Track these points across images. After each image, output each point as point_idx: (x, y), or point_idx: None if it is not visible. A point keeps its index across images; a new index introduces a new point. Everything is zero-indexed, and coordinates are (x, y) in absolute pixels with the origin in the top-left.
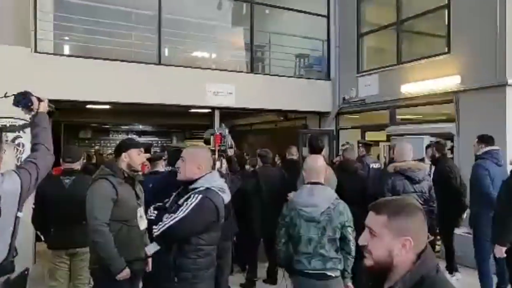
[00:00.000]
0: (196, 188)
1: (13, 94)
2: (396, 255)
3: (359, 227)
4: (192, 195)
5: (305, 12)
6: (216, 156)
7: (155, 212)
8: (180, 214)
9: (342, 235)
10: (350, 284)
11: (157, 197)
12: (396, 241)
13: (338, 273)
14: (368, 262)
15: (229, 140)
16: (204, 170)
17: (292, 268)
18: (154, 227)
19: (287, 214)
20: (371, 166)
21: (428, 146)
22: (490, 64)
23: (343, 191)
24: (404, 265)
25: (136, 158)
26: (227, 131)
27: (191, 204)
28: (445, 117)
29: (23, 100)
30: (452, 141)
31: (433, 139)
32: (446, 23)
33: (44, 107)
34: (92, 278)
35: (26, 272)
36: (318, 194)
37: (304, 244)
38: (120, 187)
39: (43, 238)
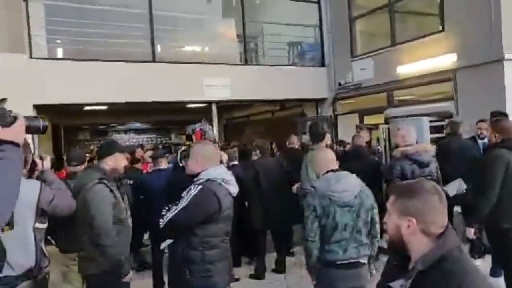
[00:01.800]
0: (198, 180)
1: None
2: (404, 234)
3: None
4: (192, 187)
5: None
6: None
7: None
8: (180, 205)
9: (370, 218)
10: (374, 270)
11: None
12: (402, 220)
13: (366, 260)
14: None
15: (211, 135)
16: (203, 162)
17: (321, 260)
18: (160, 220)
19: (317, 204)
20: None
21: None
22: (486, 40)
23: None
24: (419, 245)
25: (121, 162)
26: (207, 126)
27: (190, 195)
28: (443, 96)
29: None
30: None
31: (433, 119)
32: (439, 1)
33: (47, 164)
34: (88, 285)
35: (47, 276)
36: (345, 179)
37: (340, 231)
38: (114, 190)
39: (53, 242)
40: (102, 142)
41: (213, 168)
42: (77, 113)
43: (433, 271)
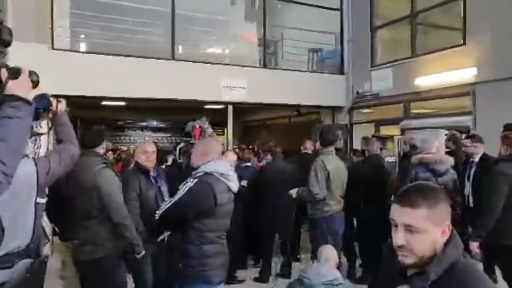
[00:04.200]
0: (196, 174)
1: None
2: (439, 243)
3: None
4: (189, 180)
5: (317, 6)
6: None
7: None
8: (175, 198)
9: None
10: None
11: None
12: (437, 229)
13: None
14: (409, 260)
15: (209, 133)
16: (201, 156)
17: None
18: (156, 212)
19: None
20: (386, 160)
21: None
22: (507, 55)
23: (370, 186)
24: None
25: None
26: (207, 123)
27: (185, 187)
28: (461, 110)
29: (42, 101)
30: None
31: (448, 132)
32: (462, 14)
33: (62, 106)
34: (83, 271)
35: (45, 259)
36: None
37: None
38: (118, 175)
39: (57, 230)
40: (117, 138)
41: (214, 161)
42: (95, 107)
43: (446, 279)
